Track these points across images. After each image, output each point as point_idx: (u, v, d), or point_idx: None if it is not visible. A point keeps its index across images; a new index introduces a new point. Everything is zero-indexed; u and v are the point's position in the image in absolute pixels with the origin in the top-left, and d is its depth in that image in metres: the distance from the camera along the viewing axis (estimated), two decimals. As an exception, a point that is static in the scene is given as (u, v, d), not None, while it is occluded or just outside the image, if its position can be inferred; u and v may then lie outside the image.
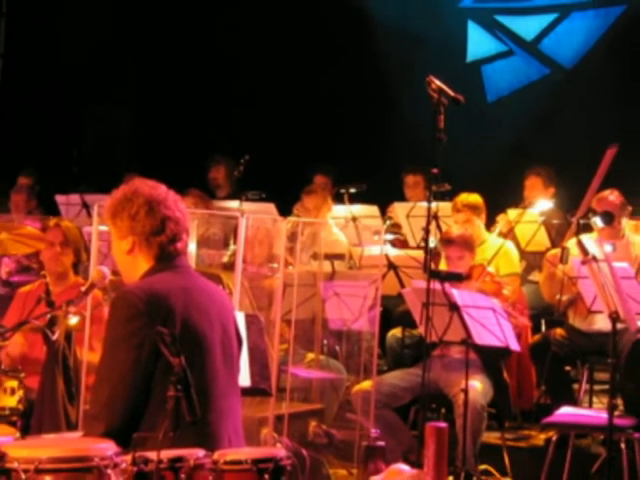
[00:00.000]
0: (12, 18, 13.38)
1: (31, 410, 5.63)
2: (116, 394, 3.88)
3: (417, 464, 5.51)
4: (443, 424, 5.46)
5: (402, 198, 9.86)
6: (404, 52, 11.35)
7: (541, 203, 8.78)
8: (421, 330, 6.72)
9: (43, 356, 5.67)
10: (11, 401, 5.70)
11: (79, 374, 5.71)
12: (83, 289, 4.29)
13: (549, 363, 7.51)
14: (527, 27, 11.75)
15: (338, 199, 9.61)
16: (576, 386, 7.89)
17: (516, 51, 11.80)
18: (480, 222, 8.15)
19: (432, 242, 6.90)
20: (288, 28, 11.88)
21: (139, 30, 12.68)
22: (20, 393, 5.71)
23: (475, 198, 8.14)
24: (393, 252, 8.13)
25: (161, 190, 4.18)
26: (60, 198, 10.04)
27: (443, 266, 7.35)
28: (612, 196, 7.58)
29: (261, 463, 3.73)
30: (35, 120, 12.77)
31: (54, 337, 5.41)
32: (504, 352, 6.89)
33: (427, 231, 6.44)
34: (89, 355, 5.75)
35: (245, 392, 4.84)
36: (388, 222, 9.35)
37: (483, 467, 6.93)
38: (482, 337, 6.63)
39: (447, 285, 6.56)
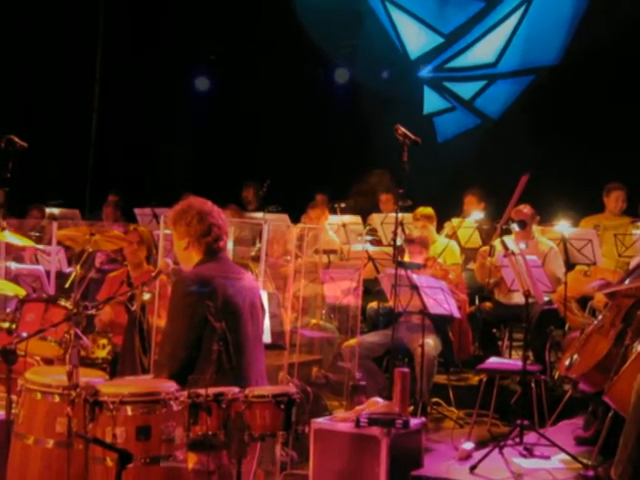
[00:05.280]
0: (104, 82, 13.36)
1: (116, 360, 5.64)
2: (176, 349, 3.88)
3: (388, 398, 5.50)
4: (406, 369, 5.47)
5: (378, 210, 9.83)
6: (380, 107, 11.31)
7: (475, 214, 8.75)
8: (391, 303, 6.72)
9: (125, 321, 5.68)
10: (102, 353, 5.70)
11: (151, 334, 5.69)
12: (153, 275, 4.28)
13: (481, 327, 7.52)
14: (465, 90, 11.72)
15: (333, 211, 9.58)
16: (500, 343, 7.87)
17: (457, 107, 11.77)
18: (432, 227, 8.14)
19: (399, 242, 6.89)
20: (300, 95, 11.87)
21: (191, 91, 12.69)
22: (109, 348, 5.72)
23: (429, 210, 8.13)
24: (371, 249, 8.10)
25: (208, 204, 4.18)
26: (137, 210, 10.01)
27: (407, 258, 7.34)
28: (525, 209, 7.57)
29: (279, 397, 3.74)
30: (120, 155, 12.75)
31: (133, 308, 5.41)
32: (449, 318, 6.88)
33: (395, 234, 6.43)
34: (158, 321, 5.73)
35: (267, 347, 4.82)
36: (368, 227, 9.32)
37: (434, 400, 6.94)
38: (434, 308, 6.63)
39: (409, 272, 6.56)
